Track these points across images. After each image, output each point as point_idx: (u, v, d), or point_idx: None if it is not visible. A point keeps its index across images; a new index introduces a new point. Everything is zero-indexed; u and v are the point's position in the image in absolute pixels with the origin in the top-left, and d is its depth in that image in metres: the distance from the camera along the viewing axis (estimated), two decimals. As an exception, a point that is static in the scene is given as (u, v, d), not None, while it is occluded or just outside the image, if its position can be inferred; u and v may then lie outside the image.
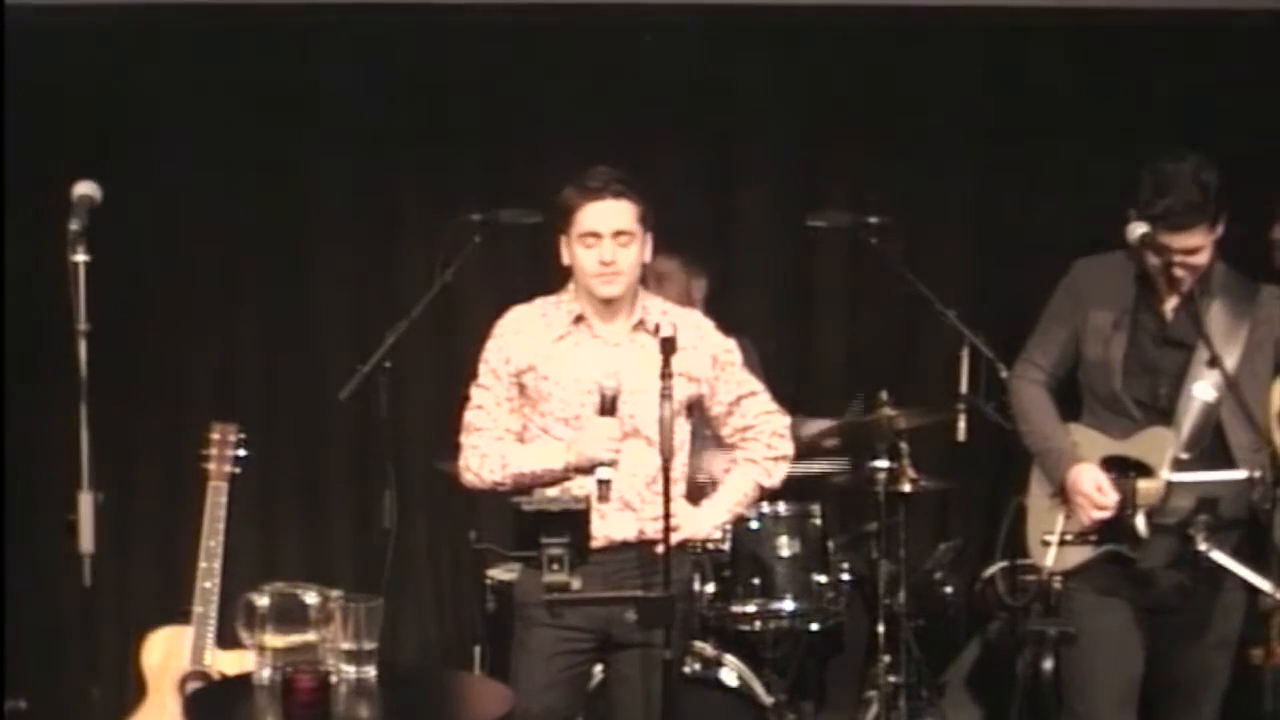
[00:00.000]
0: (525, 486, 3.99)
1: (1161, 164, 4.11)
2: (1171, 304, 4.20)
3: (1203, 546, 4.06)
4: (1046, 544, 4.25)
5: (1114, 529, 4.17)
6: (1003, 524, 4.51)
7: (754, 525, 5.08)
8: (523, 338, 4.06)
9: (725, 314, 5.77)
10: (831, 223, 5.44)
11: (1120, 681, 4.24)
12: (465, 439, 4.10)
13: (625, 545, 4.00)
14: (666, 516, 3.77)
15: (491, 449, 4.05)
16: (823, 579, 5.12)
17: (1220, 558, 4.08)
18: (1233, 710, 4.41)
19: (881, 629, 5.20)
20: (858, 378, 5.90)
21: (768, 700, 4.94)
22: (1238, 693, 4.36)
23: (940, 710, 5.36)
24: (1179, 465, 4.12)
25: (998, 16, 5.94)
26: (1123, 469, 4.18)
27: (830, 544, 5.20)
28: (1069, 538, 4.23)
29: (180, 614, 4.86)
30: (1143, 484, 4.13)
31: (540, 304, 4.14)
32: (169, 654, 4.82)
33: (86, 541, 3.76)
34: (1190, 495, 4.09)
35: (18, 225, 5.59)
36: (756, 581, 5.05)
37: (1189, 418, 4.15)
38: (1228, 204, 4.10)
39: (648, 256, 4.09)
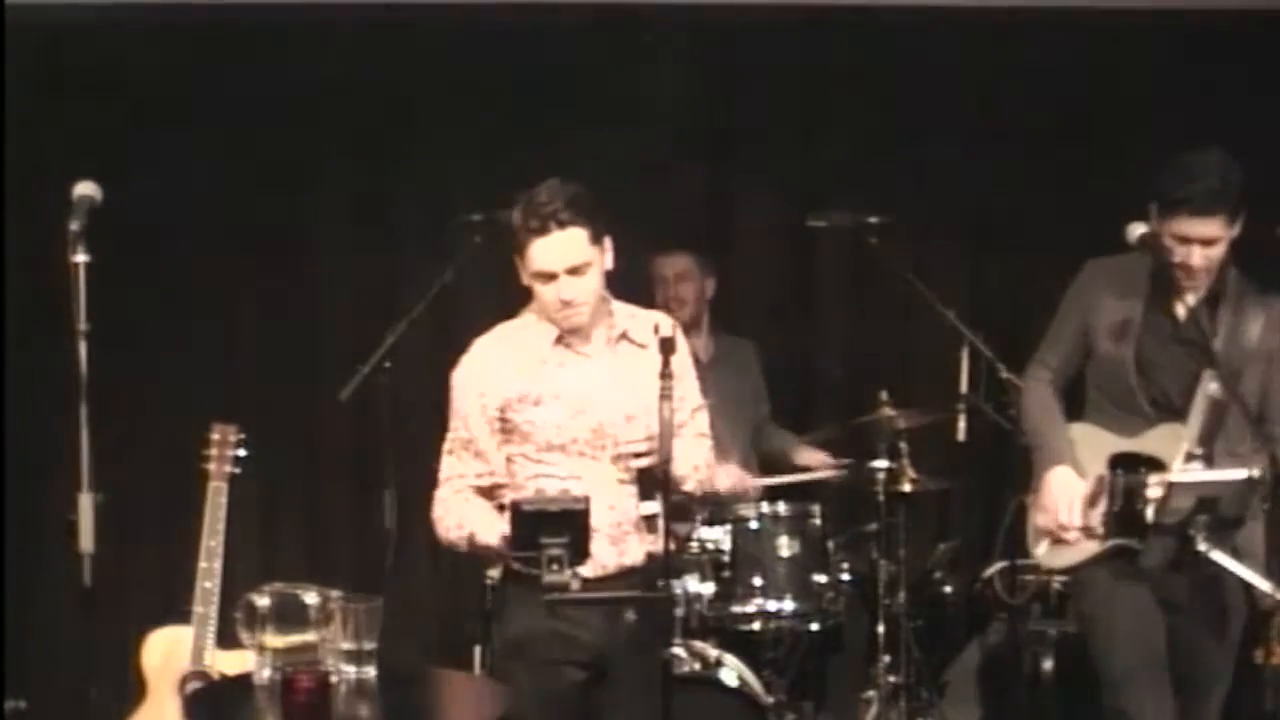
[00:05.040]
0: (480, 553, 3.88)
1: (1186, 154, 4.12)
2: (1183, 305, 4.20)
3: (1203, 546, 4.06)
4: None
5: (1122, 524, 4.17)
6: (1002, 523, 4.52)
7: (754, 525, 5.08)
8: (498, 371, 3.93)
9: (725, 314, 5.82)
10: (831, 223, 5.44)
11: (1146, 649, 4.20)
12: (437, 491, 3.98)
13: (634, 570, 3.97)
14: (666, 515, 3.77)
15: (453, 505, 3.93)
16: (823, 579, 5.12)
17: (1220, 557, 4.08)
18: (1233, 710, 4.41)
19: (881, 629, 5.21)
20: (858, 378, 5.91)
21: (768, 700, 4.93)
22: (1238, 693, 4.37)
23: (940, 710, 5.36)
24: (1192, 460, 4.13)
25: (998, 16, 5.94)
26: (1133, 465, 4.18)
27: (830, 544, 5.20)
28: (1072, 535, 4.23)
29: (180, 614, 4.85)
30: (1155, 479, 4.14)
31: (505, 331, 4.00)
32: (169, 654, 4.82)
33: (86, 541, 3.76)
34: (1190, 495, 4.10)
35: (18, 225, 5.59)
36: (756, 581, 5.04)
37: (1199, 413, 4.15)
38: (1246, 204, 4.11)
39: (609, 264, 3.93)
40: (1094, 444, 4.25)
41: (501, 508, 3.86)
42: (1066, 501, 4.18)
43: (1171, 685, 4.29)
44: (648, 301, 4.71)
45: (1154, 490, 4.14)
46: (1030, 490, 4.33)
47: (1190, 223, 4.07)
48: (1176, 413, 4.19)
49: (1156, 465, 4.16)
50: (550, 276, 3.85)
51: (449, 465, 3.98)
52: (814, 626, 5.16)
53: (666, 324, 3.91)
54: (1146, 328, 4.21)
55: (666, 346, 3.73)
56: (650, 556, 3.96)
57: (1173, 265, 4.12)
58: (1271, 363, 4.21)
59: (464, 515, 3.89)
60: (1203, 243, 4.09)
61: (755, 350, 5.81)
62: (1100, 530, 4.20)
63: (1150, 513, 4.14)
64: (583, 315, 3.90)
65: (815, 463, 5.44)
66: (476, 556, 3.96)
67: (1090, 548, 4.22)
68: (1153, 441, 4.19)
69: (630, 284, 4.15)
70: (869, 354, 6.07)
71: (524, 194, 3.88)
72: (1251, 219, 4.17)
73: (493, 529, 3.80)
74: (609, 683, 3.96)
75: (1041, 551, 4.27)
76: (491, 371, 3.94)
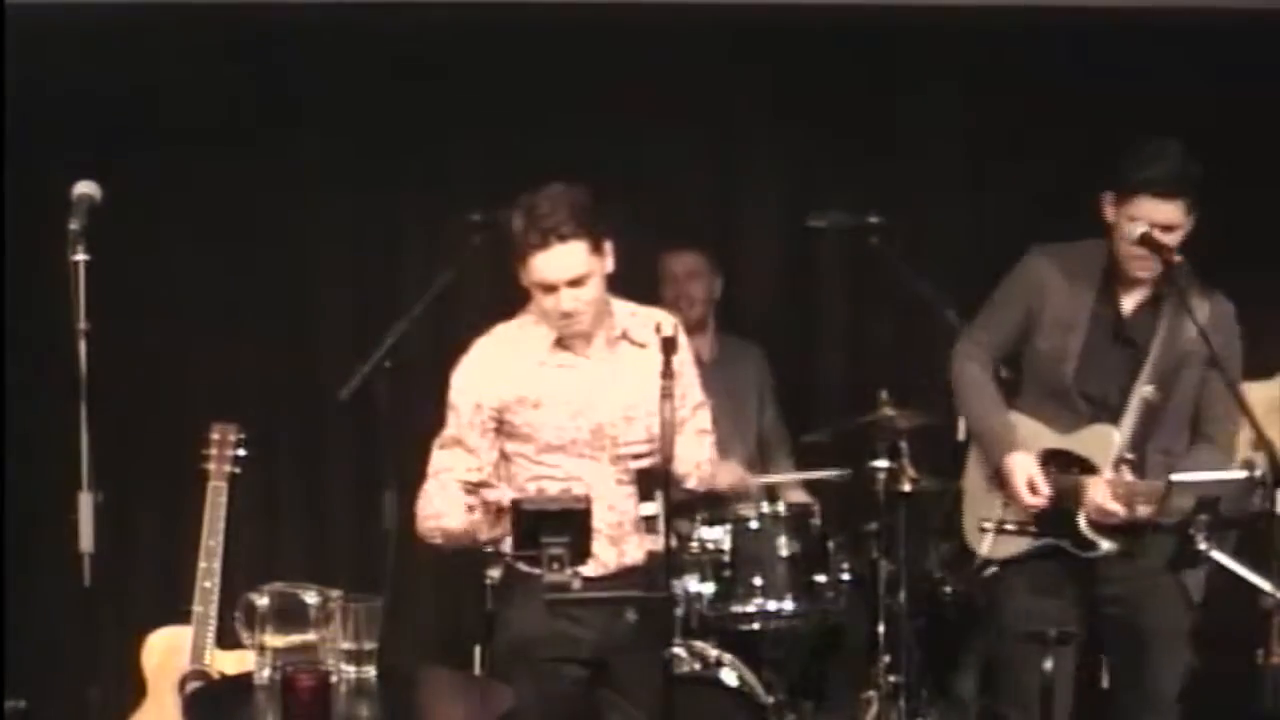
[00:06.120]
0: (455, 544, 3.95)
1: (1146, 143, 4.12)
2: (1130, 302, 4.20)
3: (1203, 546, 4.06)
4: (984, 530, 4.25)
5: (1055, 523, 4.17)
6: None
7: (754, 525, 5.08)
8: (496, 372, 3.95)
9: (725, 314, 5.82)
10: (831, 223, 5.43)
11: (1059, 684, 4.22)
12: (425, 485, 4.01)
13: (634, 569, 4.00)
14: (667, 514, 3.77)
15: (435, 498, 3.95)
16: (823, 579, 5.12)
17: (1220, 557, 4.09)
18: (1233, 710, 4.41)
19: (881, 629, 5.21)
20: (858, 378, 5.91)
21: (768, 700, 4.93)
22: (1238, 693, 4.36)
23: (940, 710, 5.36)
24: (1123, 464, 4.12)
25: (998, 16, 5.94)
26: (1065, 464, 4.18)
27: (830, 544, 5.19)
28: (1009, 527, 4.23)
29: (180, 614, 4.86)
30: (1087, 481, 4.13)
31: (504, 332, 4.03)
32: (169, 654, 4.82)
33: (86, 541, 3.76)
34: (1190, 495, 4.10)
35: (18, 225, 5.59)
36: (756, 581, 5.04)
37: (1132, 415, 4.15)
38: (1201, 199, 4.10)
39: (610, 266, 3.96)
40: (1030, 437, 4.24)
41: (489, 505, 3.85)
42: (1027, 481, 4.17)
43: (1129, 687, 4.27)
44: (650, 299, 4.71)
45: (1087, 492, 4.13)
46: (985, 479, 4.31)
47: (1152, 205, 4.07)
48: (1111, 412, 4.18)
49: (1088, 466, 4.16)
50: (551, 288, 3.86)
51: (439, 459, 4.01)
52: (814, 626, 5.16)
53: (668, 323, 3.91)
54: (1092, 323, 4.21)
55: (668, 346, 3.73)
56: (651, 555, 3.97)
57: (1130, 256, 4.12)
58: (1214, 359, 4.20)
59: (442, 506, 3.93)
60: (1163, 228, 4.08)
61: (761, 353, 5.80)
62: (1033, 526, 4.20)
63: (1083, 516, 4.13)
64: (583, 323, 3.92)
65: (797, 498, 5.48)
66: (455, 550, 3.99)
67: (1024, 542, 4.22)
68: (1084, 442, 4.19)
69: (631, 281, 4.15)
70: (869, 354, 6.07)
71: (525, 198, 3.88)
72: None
73: (464, 518, 3.86)
74: (610, 682, 3.97)
75: (982, 543, 4.27)
76: (490, 373, 3.96)
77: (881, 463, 5.27)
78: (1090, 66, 5.98)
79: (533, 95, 5.93)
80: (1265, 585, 3.99)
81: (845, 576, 5.23)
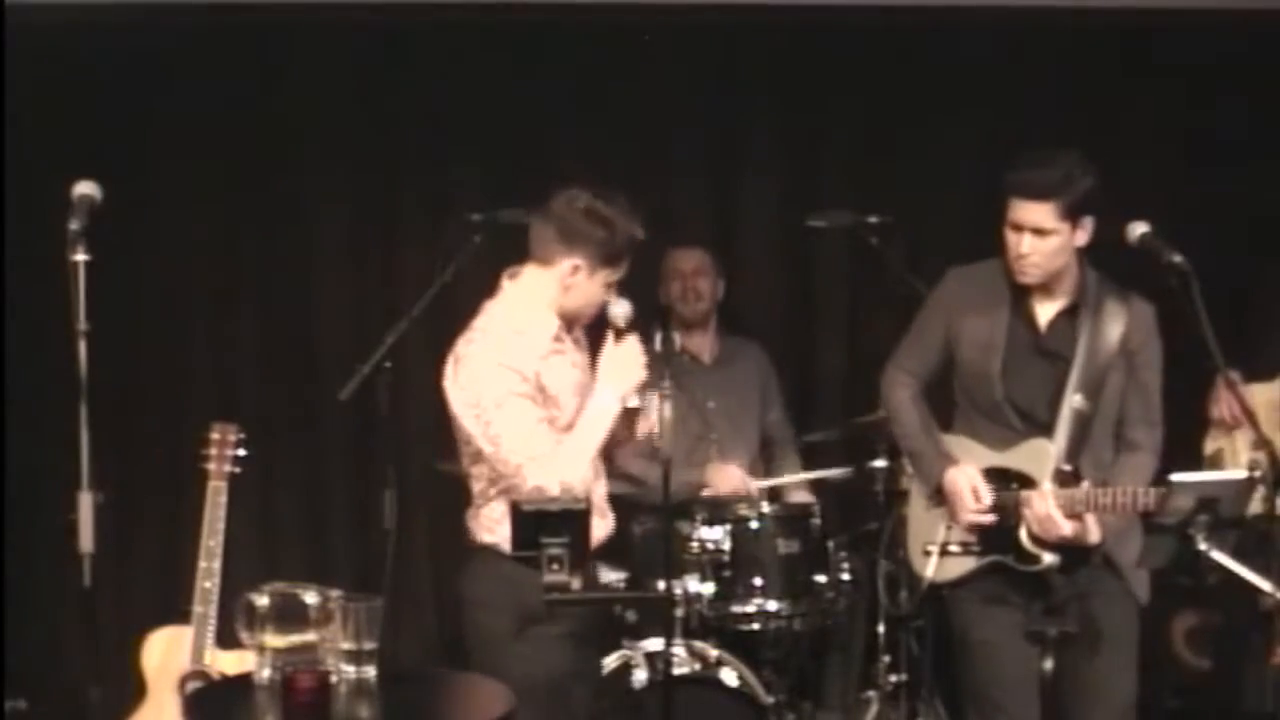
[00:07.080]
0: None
1: (1040, 149, 4.11)
2: (1045, 314, 4.19)
3: (1203, 546, 4.06)
4: (928, 554, 4.24)
5: (997, 540, 4.16)
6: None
7: (754, 525, 5.08)
8: (517, 364, 3.96)
9: (726, 314, 5.82)
10: (831, 223, 5.45)
11: (1017, 688, 4.21)
12: (526, 469, 3.88)
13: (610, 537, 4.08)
14: (667, 516, 3.77)
15: (566, 462, 3.91)
16: (823, 579, 5.12)
17: (1220, 558, 4.08)
18: (1237, 710, 4.41)
19: (881, 629, 5.21)
20: (858, 378, 5.91)
21: (768, 700, 4.94)
22: (1239, 693, 4.36)
23: (940, 710, 5.36)
24: (1061, 476, 4.11)
25: (998, 16, 5.94)
26: (1003, 481, 4.17)
27: (830, 544, 5.20)
28: (953, 548, 4.21)
29: (180, 614, 4.85)
30: (1025, 495, 4.12)
31: (498, 328, 4.03)
32: (169, 654, 4.82)
33: (86, 541, 3.75)
34: (1190, 495, 4.09)
35: (18, 225, 5.59)
36: (756, 581, 5.05)
37: (1065, 427, 4.14)
38: (1094, 211, 4.07)
39: None
40: (966, 456, 4.23)
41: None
42: (971, 489, 4.17)
43: (1078, 695, 4.25)
44: (647, 298, 4.73)
45: (1030, 507, 4.12)
46: (926, 502, 4.31)
47: (1022, 207, 4.06)
48: (1043, 427, 4.17)
49: (1025, 481, 4.15)
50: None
51: (535, 444, 3.91)
52: (814, 626, 5.16)
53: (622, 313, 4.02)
54: (1010, 339, 4.19)
55: (668, 347, 3.77)
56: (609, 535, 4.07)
57: (1011, 259, 4.12)
58: (1133, 361, 4.20)
59: (573, 466, 3.90)
60: (1034, 231, 4.07)
61: (763, 352, 5.80)
62: (976, 545, 4.18)
63: (1024, 530, 4.12)
64: None
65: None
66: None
67: (969, 562, 4.21)
68: (1022, 457, 4.17)
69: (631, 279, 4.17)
70: (869, 354, 6.06)
71: (609, 210, 3.96)
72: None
73: (603, 416, 3.93)
74: None
75: (926, 567, 4.26)
76: (514, 364, 3.95)
77: (881, 463, 5.27)
78: (1092, 66, 5.98)
79: (532, 95, 5.93)
80: (1265, 585, 3.99)
81: (845, 576, 5.24)
